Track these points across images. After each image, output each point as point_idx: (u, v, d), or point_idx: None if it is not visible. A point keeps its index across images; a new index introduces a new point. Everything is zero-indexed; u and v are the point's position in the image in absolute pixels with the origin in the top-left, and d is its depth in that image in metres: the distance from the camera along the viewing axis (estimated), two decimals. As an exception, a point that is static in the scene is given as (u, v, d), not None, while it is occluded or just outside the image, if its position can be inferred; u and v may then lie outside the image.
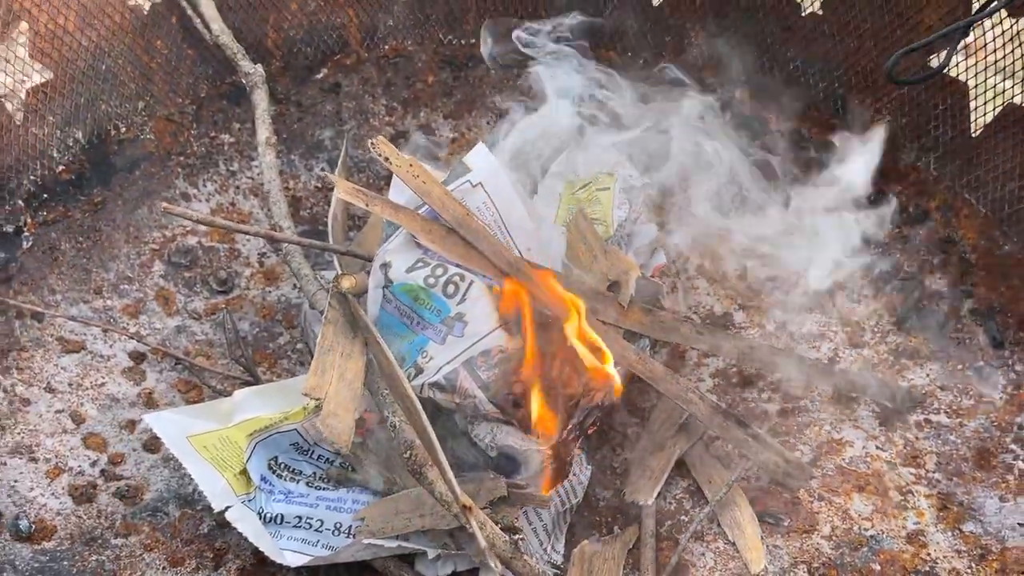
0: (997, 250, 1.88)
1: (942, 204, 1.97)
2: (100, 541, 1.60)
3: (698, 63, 2.19)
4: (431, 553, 1.52)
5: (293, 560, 1.53)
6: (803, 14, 2.09)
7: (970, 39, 1.88)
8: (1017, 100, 1.83)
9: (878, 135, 1.82)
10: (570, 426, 1.59)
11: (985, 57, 1.89)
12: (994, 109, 1.87)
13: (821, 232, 1.77)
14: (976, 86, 1.89)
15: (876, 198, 1.92)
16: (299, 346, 1.94)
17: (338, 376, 1.43)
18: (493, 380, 1.54)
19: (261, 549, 1.51)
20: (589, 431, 1.66)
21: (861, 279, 1.97)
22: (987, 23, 1.83)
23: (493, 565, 1.26)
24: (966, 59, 1.92)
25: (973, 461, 1.71)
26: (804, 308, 1.94)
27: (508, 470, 1.57)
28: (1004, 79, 1.86)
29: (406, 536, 1.52)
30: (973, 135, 1.90)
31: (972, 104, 1.90)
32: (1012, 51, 1.84)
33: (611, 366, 1.58)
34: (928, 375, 1.83)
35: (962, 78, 1.91)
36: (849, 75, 2.09)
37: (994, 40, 1.87)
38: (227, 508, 1.53)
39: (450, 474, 1.29)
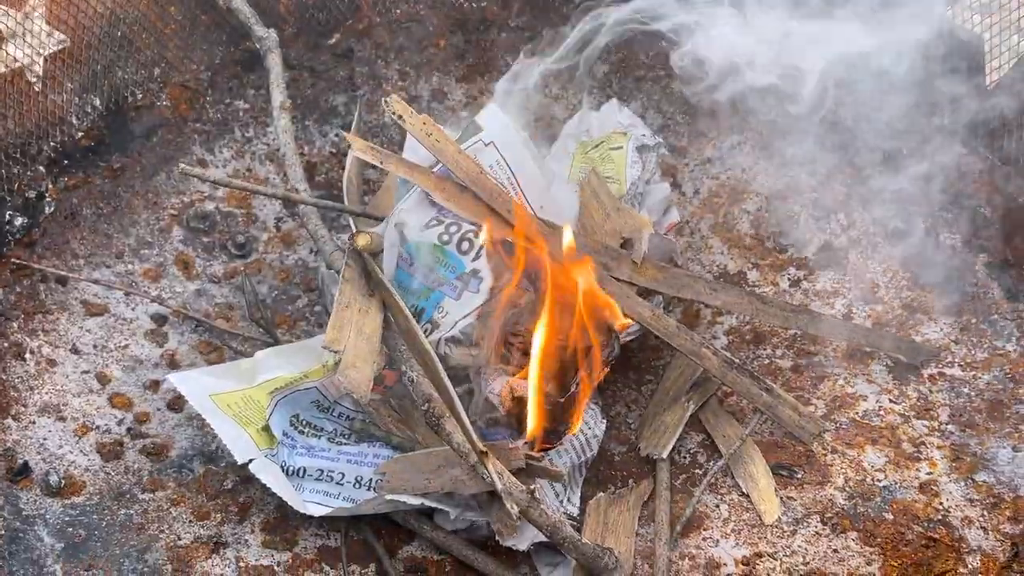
0: (1011, 203, 1.86)
1: (955, 158, 1.95)
2: (128, 496, 1.64)
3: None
4: (452, 513, 1.55)
5: (315, 511, 1.57)
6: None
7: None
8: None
9: None
10: (579, 377, 1.60)
11: (1000, 10, 1.87)
12: (1008, 61, 1.85)
13: None
14: (991, 38, 1.87)
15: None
16: (317, 308, 1.96)
17: (356, 331, 1.45)
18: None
19: (285, 499, 1.54)
20: (594, 382, 1.67)
21: (875, 236, 1.97)
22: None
23: (510, 507, 1.28)
24: (981, 14, 1.90)
25: (986, 412, 1.71)
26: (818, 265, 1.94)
27: (522, 429, 1.59)
28: (1016, 32, 1.84)
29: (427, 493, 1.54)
30: (987, 88, 1.88)
31: (987, 57, 1.88)
32: (1027, 3, 1.82)
33: (619, 318, 1.59)
34: (942, 329, 1.83)
35: (977, 31, 1.89)
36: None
37: (1009, -9, 1.85)
38: (250, 461, 1.57)
39: (467, 422, 1.31)
